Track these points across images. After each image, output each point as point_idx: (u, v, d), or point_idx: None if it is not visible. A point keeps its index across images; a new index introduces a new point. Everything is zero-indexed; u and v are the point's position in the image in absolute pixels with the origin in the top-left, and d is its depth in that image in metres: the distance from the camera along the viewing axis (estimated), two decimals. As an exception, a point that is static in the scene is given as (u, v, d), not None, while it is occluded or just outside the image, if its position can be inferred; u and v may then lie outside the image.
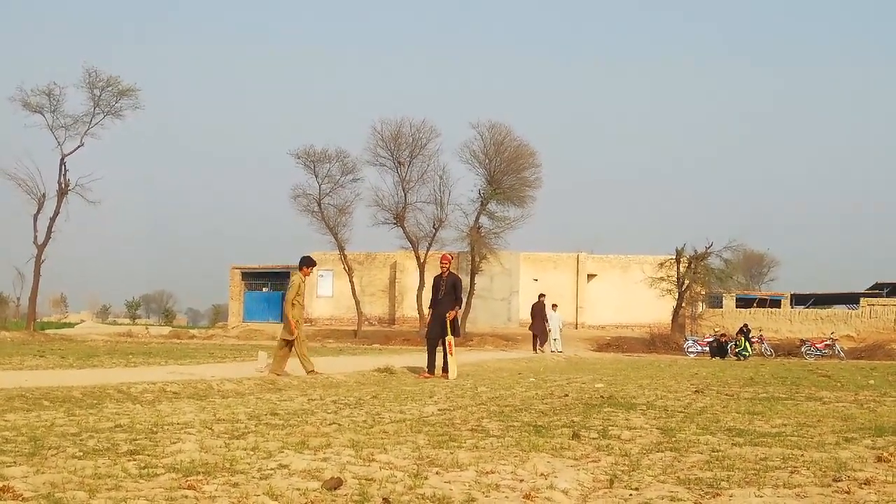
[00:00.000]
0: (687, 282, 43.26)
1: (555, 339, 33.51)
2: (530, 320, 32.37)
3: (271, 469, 5.02)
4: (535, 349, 31.20)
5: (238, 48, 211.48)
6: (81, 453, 5.44)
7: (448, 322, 15.58)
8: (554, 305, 33.86)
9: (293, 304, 14.60)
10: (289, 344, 14.50)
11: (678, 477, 5.06)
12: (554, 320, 33.26)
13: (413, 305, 45.88)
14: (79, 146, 41.44)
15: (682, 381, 15.50)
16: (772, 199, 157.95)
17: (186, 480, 4.57)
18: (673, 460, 5.69)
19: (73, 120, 41.25)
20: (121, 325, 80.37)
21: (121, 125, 43.08)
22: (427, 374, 15.35)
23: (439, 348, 15.73)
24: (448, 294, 15.70)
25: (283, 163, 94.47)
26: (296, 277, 14.78)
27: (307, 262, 15.16)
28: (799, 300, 57.98)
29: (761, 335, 38.12)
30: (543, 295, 33.16)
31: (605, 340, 41.61)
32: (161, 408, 8.55)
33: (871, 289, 57.71)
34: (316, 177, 46.30)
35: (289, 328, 14.52)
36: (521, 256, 52.44)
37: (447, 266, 15.81)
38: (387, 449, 5.90)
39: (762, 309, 51.83)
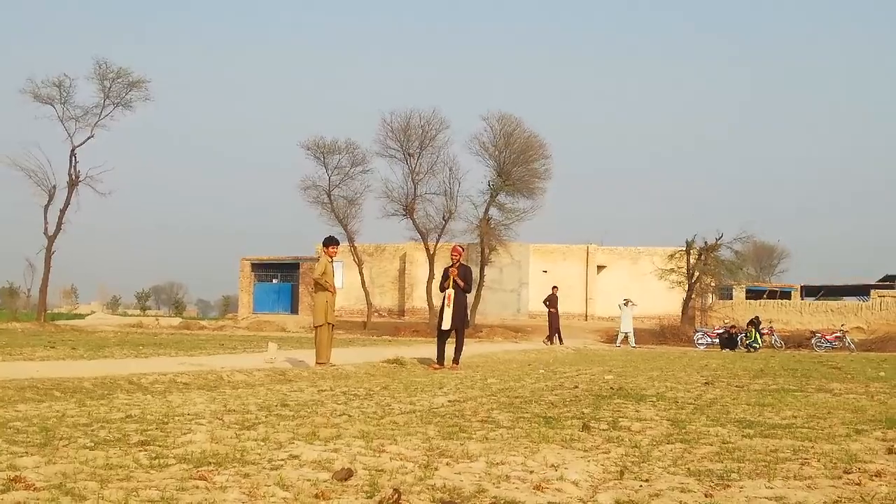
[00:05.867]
0: (697, 273, 43.18)
1: (626, 334, 33.78)
2: (547, 310, 32.47)
3: (282, 460, 5.03)
4: (551, 341, 31.29)
5: (248, 40, 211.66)
6: (93, 444, 5.46)
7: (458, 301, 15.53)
8: (626, 300, 34.12)
9: (321, 286, 14.41)
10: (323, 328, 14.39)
11: (688, 468, 5.05)
12: (626, 315, 33.66)
13: (423, 297, 45.88)
14: (89, 137, 41.61)
15: (692, 372, 15.48)
16: (782, 190, 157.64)
17: (197, 471, 4.58)
18: (683, 452, 5.68)
19: (83, 111, 41.42)
20: (131, 316, 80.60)
21: (131, 117, 43.24)
22: (437, 366, 15.36)
23: (449, 339, 15.73)
24: (459, 293, 15.64)
25: (294, 154, 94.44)
26: (322, 258, 14.64)
27: (330, 241, 14.84)
28: (809, 292, 57.79)
29: (771, 327, 38.03)
30: (556, 287, 33.29)
31: (615, 332, 41.52)
32: (172, 398, 8.58)
33: (881, 280, 57.51)
34: (325, 168, 46.32)
35: (319, 313, 14.39)
36: (531, 248, 52.39)
37: (458, 258, 15.78)
38: (397, 440, 5.91)
39: (772, 301, 51.68)
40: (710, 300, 49.21)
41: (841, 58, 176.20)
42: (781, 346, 36.01)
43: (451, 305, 15.51)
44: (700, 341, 36.42)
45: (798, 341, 37.58)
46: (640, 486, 4.53)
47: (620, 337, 34.17)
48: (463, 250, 16.72)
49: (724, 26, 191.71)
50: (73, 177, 40.99)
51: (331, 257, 14.63)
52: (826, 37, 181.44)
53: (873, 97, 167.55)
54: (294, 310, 57.04)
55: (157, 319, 56.29)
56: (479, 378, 12.82)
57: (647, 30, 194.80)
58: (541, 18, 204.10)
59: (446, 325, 15.48)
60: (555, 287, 33.29)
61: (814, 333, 36.66)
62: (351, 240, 46.50)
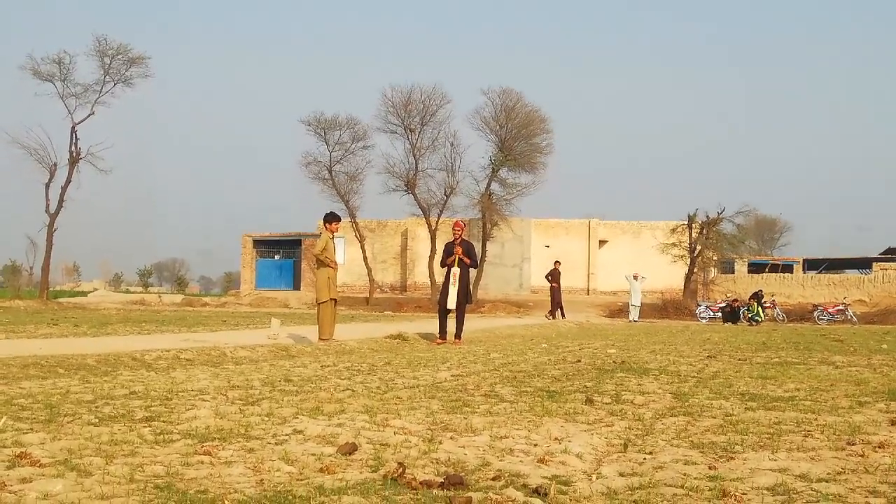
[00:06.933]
0: (699, 247, 43.14)
1: (635, 306, 33.72)
2: (549, 285, 32.40)
3: (286, 435, 5.04)
4: (553, 316, 31.31)
5: (248, 15, 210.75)
6: (97, 420, 5.48)
7: (460, 278, 15.53)
8: (636, 274, 34.06)
9: (322, 262, 14.32)
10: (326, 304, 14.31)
11: (692, 441, 5.06)
12: (636, 288, 33.60)
13: (425, 272, 45.92)
14: (90, 114, 41.52)
15: (695, 346, 15.51)
16: (784, 164, 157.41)
17: (202, 446, 4.59)
18: (686, 425, 5.69)
19: (83, 88, 41.31)
20: (133, 293, 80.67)
21: (132, 93, 43.17)
22: (440, 341, 15.38)
23: (451, 315, 15.74)
24: (464, 270, 15.64)
25: (296, 130, 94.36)
26: (324, 234, 14.56)
27: (331, 218, 14.71)
28: (811, 265, 57.86)
29: (773, 300, 38.05)
30: (558, 262, 33.28)
31: (617, 306, 41.57)
32: (175, 375, 8.59)
33: (883, 253, 57.54)
34: (326, 144, 46.26)
35: (321, 289, 14.33)
36: (533, 223, 52.37)
37: (460, 233, 15.77)
38: (401, 414, 5.92)
39: (774, 274, 51.68)
40: (712, 274, 49.23)
41: (842, 39, 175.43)
42: (784, 320, 36.04)
43: (457, 284, 15.52)
44: (702, 315, 36.47)
45: (800, 314, 37.62)
46: (644, 458, 4.54)
47: (633, 311, 34.03)
48: (465, 225, 16.69)
49: (728, 12, 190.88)
50: (74, 154, 40.95)
51: (332, 233, 14.56)
52: (834, 19, 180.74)
53: (879, 73, 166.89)
54: (296, 286, 57.11)
55: (159, 296, 56.37)
56: (481, 353, 12.84)
57: (652, 8, 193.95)
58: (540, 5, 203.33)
59: (451, 304, 15.49)
60: (557, 262, 33.28)
61: (816, 307, 36.69)
62: (353, 216, 46.50)
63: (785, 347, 15.29)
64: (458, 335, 15.65)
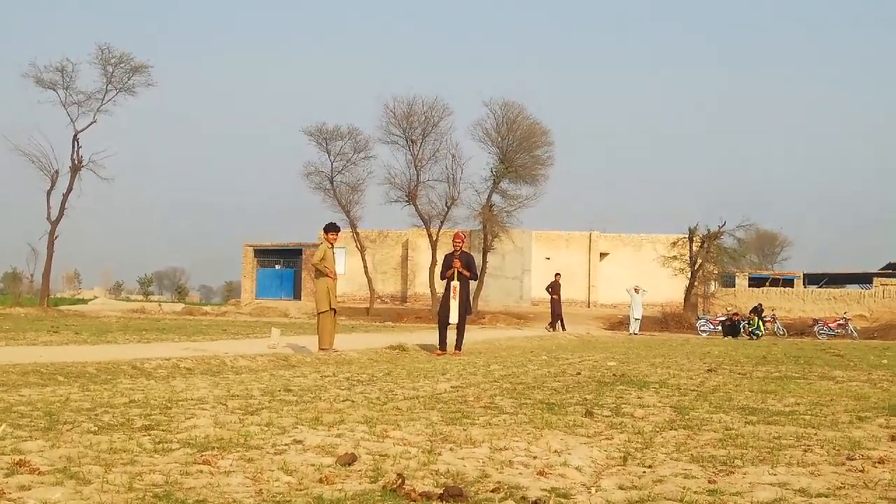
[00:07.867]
0: (700, 261, 43.15)
1: (636, 320, 33.75)
2: (549, 297, 32.45)
3: (285, 445, 5.03)
4: (553, 328, 31.28)
5: (250, 26, 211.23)
6: (96, 428, 5.47)
7: (460, 295, 15.53)
8: (636, 287, 34.09)
9: (321, 271, 14.28)
10: (325, 314, 14.27)
11: (691, 455, 5.06)
12: (637, 301, 33.65)
13: (425, 283, 45.91)
14: (91, 122, 41.54)
15: (695, 359, 15.49)
16: (785, 178, 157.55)
17: (201, 455, 4.58)
18: (686, 438, 5.69)
19: (85, 96, 41.32)
20: (134, 301, 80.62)
21: (134, 102, 43.21)
22: (440, 352, 15.37)
23: (451, 326, 15.73)
24: (463, 283, 15.65)
25: (297, 141, 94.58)
26: (322, 244, 14.54)
27: (330, 228, 14.67)
28: (812, 280, 57.84)
29: (774, 314, 38.06)
30: (559, 274, 33.28)
31: (618, 319, 41.56)
32: (175, 383, 8.58)
33: (884, 269, 57.57)
34: (328, 154, 46.33)
35: (321, 299, 14.29)
36: (534, 235, 52.40)
37: (460, 245, 15.76)
38: (400, 425, 5.91)
39: (775, 288, 51.70)
40: (712, 288, 49.25)
41: (845, 48, 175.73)
42: (784, 334, 36.05)
43: (457, 297, 15.52)
44: (702, 328, 36.45)
45: (800, 329, 37.64)
46: (644, 472, 4.53)
47: (633, 324, 34.03)
48: (465, 237, 16.69)
49: (730, 18, 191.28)
50: (76, 162, 40.96)
51: (331, 243, 14.55)
52: (840, 26, 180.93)
53: (879, 87, 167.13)
54: (297, 296, 57.13)
55: (159, 305, 56.34)
56: (481, 364, 12.83)
57: (651, 20, 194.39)
58: (545, 5, 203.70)
59: (453, 318, 15.50)
60: (557, 274, 33.28)
61: (816, 321, 36.69)
62: (353, 226, 46.51)
63: (785, 362, 15.28)
64: (458, 346, 15.65)
